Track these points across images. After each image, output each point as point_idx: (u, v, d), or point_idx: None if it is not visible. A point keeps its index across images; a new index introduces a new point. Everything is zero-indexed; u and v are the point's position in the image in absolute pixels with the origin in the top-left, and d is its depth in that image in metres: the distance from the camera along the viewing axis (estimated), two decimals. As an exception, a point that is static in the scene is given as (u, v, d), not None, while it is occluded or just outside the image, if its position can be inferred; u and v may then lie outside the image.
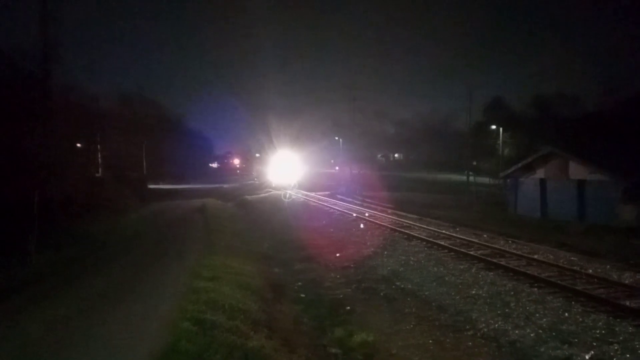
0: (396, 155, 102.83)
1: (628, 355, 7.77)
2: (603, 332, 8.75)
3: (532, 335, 8.82)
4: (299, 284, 13.63)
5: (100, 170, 33.28)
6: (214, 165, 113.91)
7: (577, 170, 27.50)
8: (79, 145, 28.60)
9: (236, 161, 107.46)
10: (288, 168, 52.11)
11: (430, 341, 8.95)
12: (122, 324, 8.43)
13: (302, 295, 12.40)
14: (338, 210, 30.77)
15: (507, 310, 10.22)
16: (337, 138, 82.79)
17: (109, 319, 8.70)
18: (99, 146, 33.04)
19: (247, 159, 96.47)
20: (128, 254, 16.23)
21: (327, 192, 47.62)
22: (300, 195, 42.78)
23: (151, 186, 49.53)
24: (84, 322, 8.56)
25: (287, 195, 40.71)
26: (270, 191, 48.95)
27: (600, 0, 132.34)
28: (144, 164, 51.93)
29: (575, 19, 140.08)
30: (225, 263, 13.57)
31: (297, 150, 57.79)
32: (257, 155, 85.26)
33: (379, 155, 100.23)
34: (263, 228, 25.46)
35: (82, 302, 9.92)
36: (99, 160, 33.19)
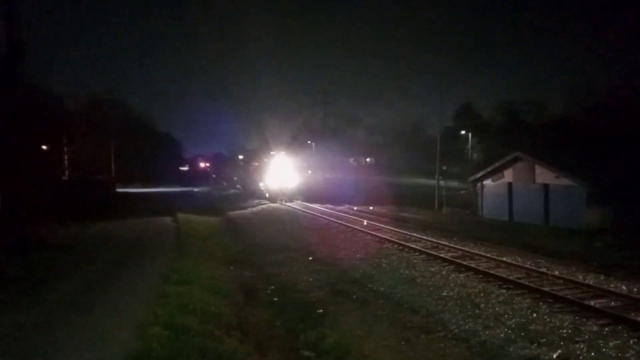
0: (367, 159, 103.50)
1: (593, 354, 8.00)
2: (569, 331, 8.99)
3: (501, 335, 9.00)
4: (272, 287, 13.55)
5: (66, 172, 32.39)
6: (185, 168, 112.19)
7: (543, 175, 28.23)
8: (44, 147, 27.80)
9: (207, 164, 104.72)
10: (284, 174, 41.48)
11: (403, 342, 9.01)
12: (90, 330, 8.22)
13: (275, 299, 12.33)
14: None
15: (477, 311, 10.40)
16: (309, 142, 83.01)
17: (77, 325, 8.48)
18: (65, 148, 32.12)
19: (223, 162, 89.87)
20: (97, 260, 15.80)
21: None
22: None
23: (119, 190, 48.47)
24: (49, 330, 8.31)
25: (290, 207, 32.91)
26: (264, 203, 38.66)
27: (566, 10, 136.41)
28: (113, 166, 50.93)
29: (541, 29, 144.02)
30: (196, 267, 13.40)
31: (291, 154, 48.00)
32: (240, 157, 74.53)
33: (351, 160, 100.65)
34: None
35: (48, 309, 9.64)
36: (66, 162, 32.29)
